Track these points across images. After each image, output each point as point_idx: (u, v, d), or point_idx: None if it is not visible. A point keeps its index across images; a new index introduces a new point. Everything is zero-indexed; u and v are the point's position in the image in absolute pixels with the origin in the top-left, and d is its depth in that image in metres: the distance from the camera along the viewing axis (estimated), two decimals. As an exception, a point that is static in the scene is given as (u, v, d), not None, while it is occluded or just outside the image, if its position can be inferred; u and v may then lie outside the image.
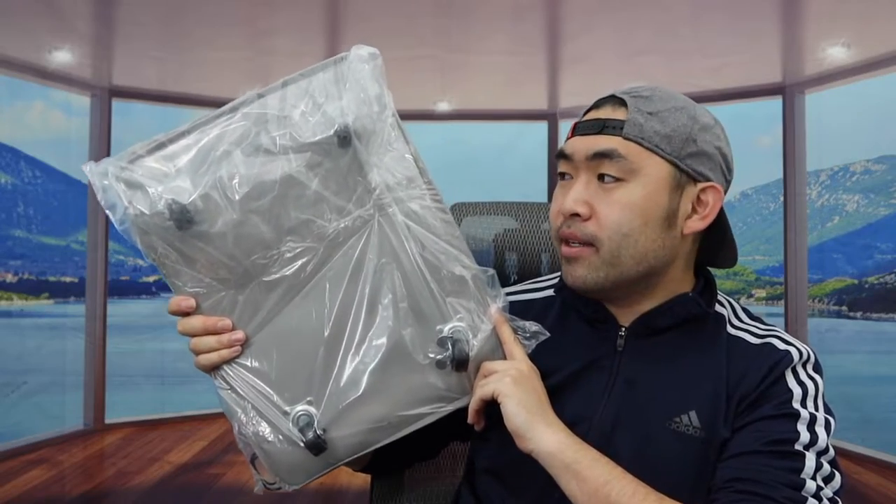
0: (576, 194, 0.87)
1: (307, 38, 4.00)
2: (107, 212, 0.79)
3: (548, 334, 0.86)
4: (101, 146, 4.64)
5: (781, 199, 4.66)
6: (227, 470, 3.72)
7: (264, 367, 0.83)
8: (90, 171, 0.80)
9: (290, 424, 0.82)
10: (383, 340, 0.82)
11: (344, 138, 0.79)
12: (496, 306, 0.84)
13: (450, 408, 0.84)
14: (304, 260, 0.82)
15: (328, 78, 0.81)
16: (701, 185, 0.88)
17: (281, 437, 0.82)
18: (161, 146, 0.80)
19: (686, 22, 3.73)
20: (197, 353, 0.83)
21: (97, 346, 4.61)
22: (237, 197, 0.79)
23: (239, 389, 0.83)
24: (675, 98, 0.89)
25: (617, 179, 0.86)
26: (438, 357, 0.82)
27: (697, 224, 0.89)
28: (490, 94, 5.21)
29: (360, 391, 0.82)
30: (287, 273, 0.82)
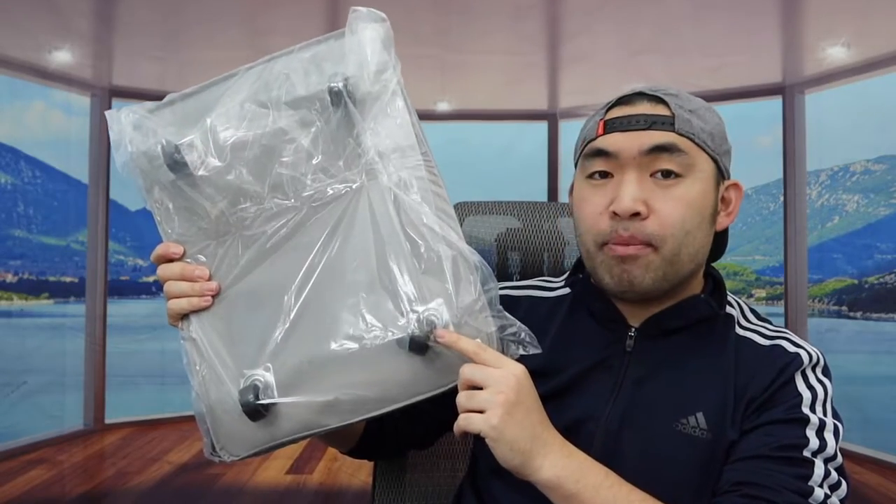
0: (632, 193, 0.82)
1: (307, 37, 3.98)
2: (113, 152, 0.83)
3: (539, 349, 0.78)
4: (101, 146, 4.65)
5: (781, 199, 4.66)
6: (227, 470, 3.72)
7: (229, 325, 0.80)
8: (109, 115, 0.83)
9: (235, 387, 0.78)
10: (347, 314, 0.77)
11: (336, 94, 0.77)
12: (464, 308, 0.75)
13: (412, 400, 0.77)
14: (285, 219, 0.80)
15: (338, 44, 0.80)
16: (727, 183, 0.90)
17: (229, 397, 0.78)
18: (172, 102, 0.83)
19: (686, 21, 3.73)
20: (169, 297, 0.82)
21: (97, 346, 4.61)
22: (226, 146, 0.79)
23: (200, 344, 0.81)
24: (696, 98, 0.89)
25: (676, 175, 0.83)
26: (400, 335, 0.75)
27: (724, 221, 0.90)
28: (490, 94, 5.21)
29: (318, 364, 0.77)
30: (266, 230, 0.80)
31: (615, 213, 0.83)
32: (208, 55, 4.28)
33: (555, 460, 0.76)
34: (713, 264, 0.96)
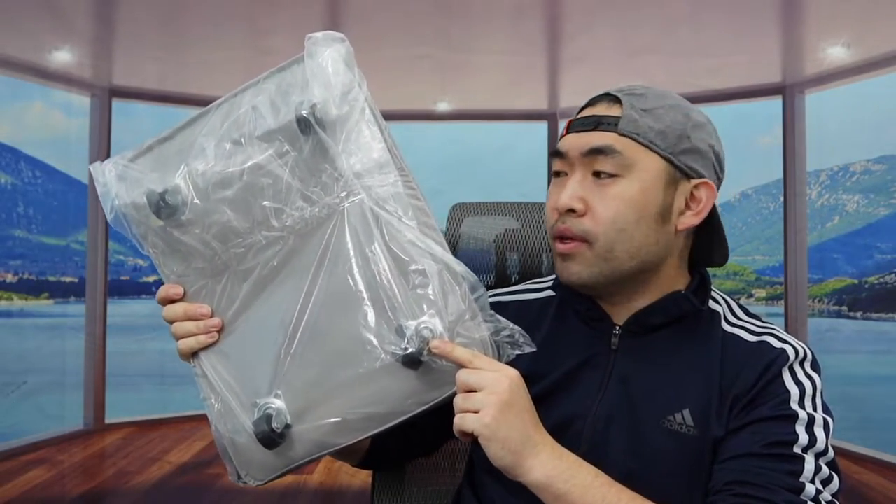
0: (571, 190, 0.87)
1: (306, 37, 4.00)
2: (102, 206, 0.86)
3: (534, 348, 0.80)
4: (101, 146, 4.64)
5: (781, 199, 4.66)
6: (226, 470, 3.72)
7: (237, 357, 0.83)
8: (94, 170, 0.86)
9: (248, 417, 0.81)
10: (345, 335, 0.79)
11: (305, 123, 0.78)
12: (455, 319, 0.77)
13: (417, 411, 0.79)
14: (273, 250, 0.82)
15: (300, 70, 0.80)
16: (694, 182, 0.89)
17: (244, 429, 0.81)
18: (150, 148, 0.86)
19: (686, 22, 3.73)
20: (177, 338, 0.86)
21: (97, 346, 4.60)
22: (207, 187, 0.81)
23: (212, 378, 0.84)
24: (668, 96, 0.90)
25: (612, 175, 0.86)
26: (395, 352, 0.77)
27: (691, 220, 0.90)
28: (490, 94, 5.21)
29: (323, 387, 0.80)
30: (258, 263, 0.82)
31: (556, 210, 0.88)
32: (208, 55, 4.29)
33: (545, 460, 0.77)
34: (724, 270, 0.97)
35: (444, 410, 0.82)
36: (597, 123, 0.88)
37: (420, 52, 4.16)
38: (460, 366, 0.77)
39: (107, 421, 4.61)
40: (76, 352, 4.67)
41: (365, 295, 0.79)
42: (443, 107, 5.30)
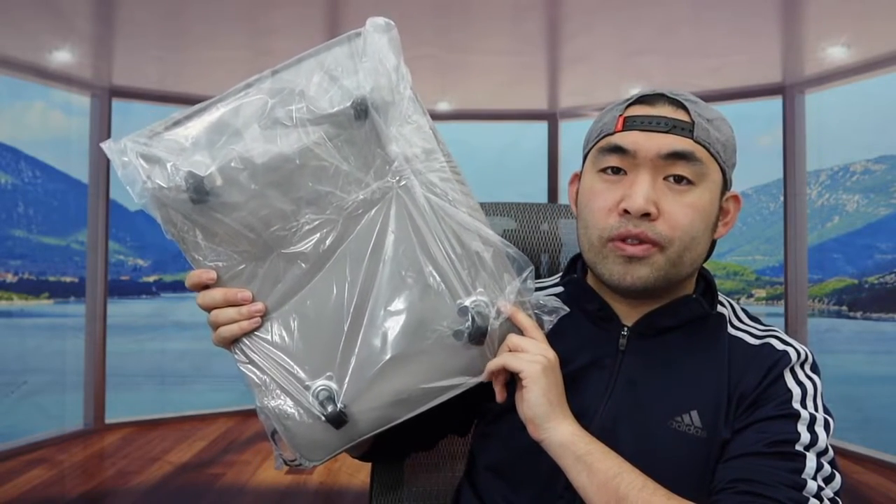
0: (647, 193, 0.84)
1: (307, 37, 4.00)
2: (126, 187, 0.79)
3: (567, 309, 0.84)
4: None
5: (781, 199, 4.66)
6: (227, 470, 3.72)
7: (285, 340, 0.82)
8: (109, 149, 0.79)
9: (311, 398, 0.81)
10: (404, 314, 0.81)
11: (362, 110, 0.78)
12: (512, 290, 0.82)
13: (472, 381, 0.83)
14: (322, 232, 0.81)
15: (344, 52, 0.80)
16: (728, 194, 0.91)
17: (301, 411, 0.81)
18: (178, 123, 0.80)
19: (686, 22, 3.73)
20: (216, 325, 0.82)
21: (97, 346, 4.61)
22: (255, 169, 0.78)
23: (259, 363, 0.82)
24: (713, 108, 0.91)
25: (689, 182, 0.85)
26: (457, 328, 0.81)
27: (721, 231, 0.92)
28: (490, 94, 5.21)
29: (381, 365, 0.81)
30: (306, 245, 0.81)
31: (626, 211, 0.85)
32: (208, 55, 4.29)
33: (571, 422, 0.82)
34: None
35: (450, 403, 0.85)
36: (671, 126, 0.85)
37: (420, 52, 4.15)
38: (520, 330, 0.82)
39: (107, 421, 4.61)
40: (76, 352, 4.67)
41: (422, 276, 0.81)
42: (443, 107, 5.30)
